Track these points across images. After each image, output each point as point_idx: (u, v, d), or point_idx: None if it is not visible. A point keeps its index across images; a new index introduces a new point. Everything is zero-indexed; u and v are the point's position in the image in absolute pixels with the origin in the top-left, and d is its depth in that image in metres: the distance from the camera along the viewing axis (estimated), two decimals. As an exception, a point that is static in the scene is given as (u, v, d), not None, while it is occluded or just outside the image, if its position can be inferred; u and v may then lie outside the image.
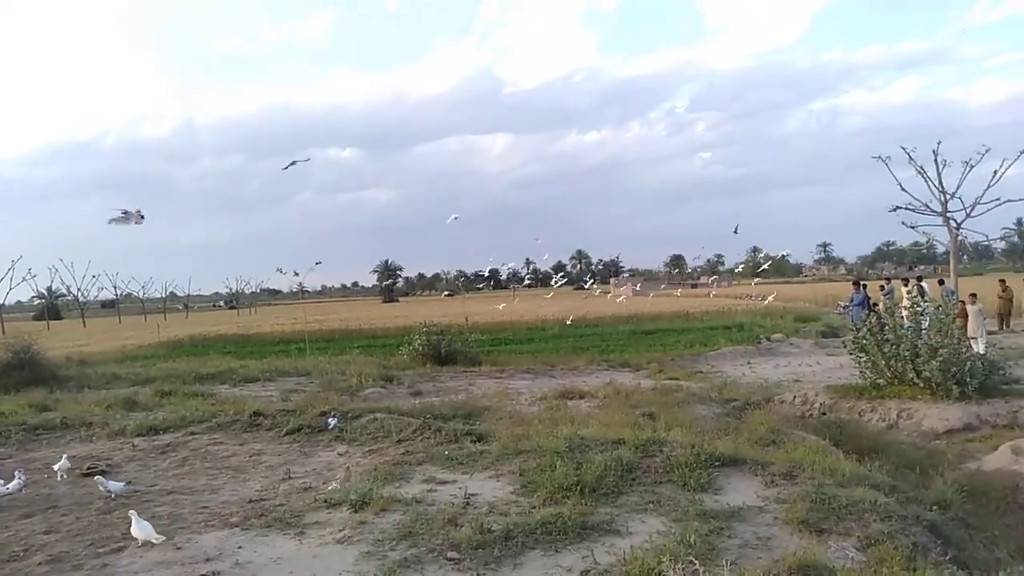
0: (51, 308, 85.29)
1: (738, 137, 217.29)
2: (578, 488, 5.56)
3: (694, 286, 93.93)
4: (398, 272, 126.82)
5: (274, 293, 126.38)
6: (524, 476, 6.15)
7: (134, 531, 4.94)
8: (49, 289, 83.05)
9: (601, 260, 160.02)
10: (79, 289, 76.33)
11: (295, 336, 29.61)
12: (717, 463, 6.17)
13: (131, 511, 5.09)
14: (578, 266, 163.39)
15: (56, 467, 7.20)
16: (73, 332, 46.03)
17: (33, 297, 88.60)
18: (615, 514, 5.15)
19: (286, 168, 16.69)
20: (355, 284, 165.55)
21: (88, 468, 7.44)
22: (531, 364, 17.53)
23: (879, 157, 22.80)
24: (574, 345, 23.78)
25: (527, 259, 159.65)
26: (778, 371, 15.79)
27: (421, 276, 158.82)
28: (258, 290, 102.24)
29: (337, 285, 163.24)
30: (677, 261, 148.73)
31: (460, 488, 5.97)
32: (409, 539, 4.81)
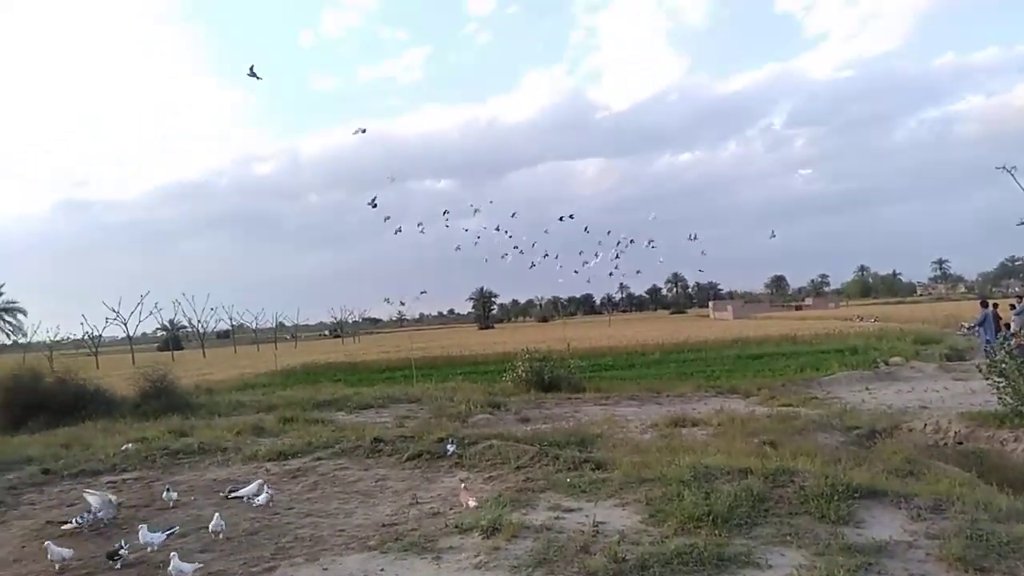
0: (174, 339, 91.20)
1: (841, 151, 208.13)
2: (709, 518, 5.48)
3: (798, 307, 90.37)
4: (493, 299, 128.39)
5: (375, 322, 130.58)
6: (651, 505, 6.12)
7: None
8: (172, 321, 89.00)
9: (697, 283, 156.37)
10: (199, 321, 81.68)
11: (400, 363, 30.48)
12: (855, 494, 5.93)
13: (172, 553, 5.26)
14: (674, 289, 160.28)
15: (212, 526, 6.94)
16: (195, 362, 49.03)
17: (157, 329, 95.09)
18: (751, 546, 5.05)
19: (372, 204, 17.76)
20: (451, 311, 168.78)
21: (229, 491, 7.93)
22: (636, 391, 17.33)
23: (1004, 168, 21.41)
24: (677, 371, 23.38)
25: (621, 284, 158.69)
26: (901, 397, 14.96)
27: (515, 302, 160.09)
28: (360, 319, 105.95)
29: (435, 313, 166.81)
30: (778, 282, 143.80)
31: (587, 516, 6.00)
32: (544, 566, 4.88)
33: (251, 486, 7.51)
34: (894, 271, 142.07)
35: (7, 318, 58.71)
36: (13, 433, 13.72)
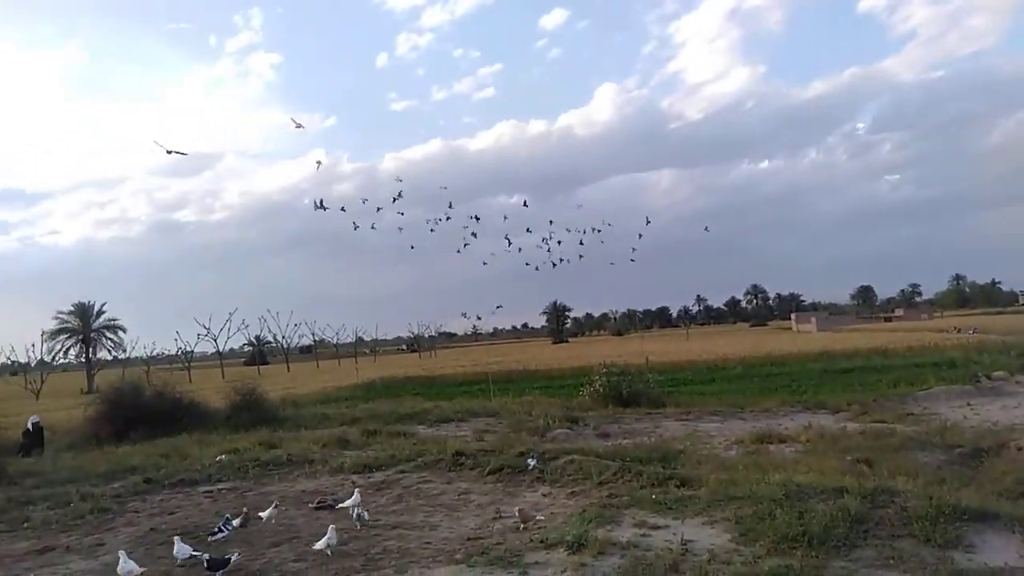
0: (260, 354, 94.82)
1: (930, 155, 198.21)
2: (804, 539, 5.28)
3: (888, 319, 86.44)
4: (567, 312, 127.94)
5: (451, 336, 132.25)
6: (741, 524, 5.94)
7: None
8: (258, 337, 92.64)
9: (778, 294, 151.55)
10: (283, 336, 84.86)
11: (476, 377, 30.76)
12: (963, 517, 5.59)
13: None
14: (754, 301, 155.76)
15: (264, 514, 7.44)
16: (280, 376, 50.79)
17: (244, 344, 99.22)
18: (851, 569, 4.83)
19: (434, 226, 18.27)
20: (525, 325, 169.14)
21: (318, 502, 8.14)
22: (718, 406, 16.92)
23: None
24: (760, 385, 22.71)
25: (698, 296, 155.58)
26: (1007, 413, 14.07)
27: (589, 316, 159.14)
28: (436, 333, 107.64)
29: (509, 327, 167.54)
30: (865, 293, 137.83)
31: (674, 534, 5.88)
32: (633, 584, 4.80)
33: (352, 498, 7.63)
34: (993, 280, 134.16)
35: (108, 335, 62.16)
36: (117, 444, 14.51)
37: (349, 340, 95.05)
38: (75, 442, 15.44)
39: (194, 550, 6.05)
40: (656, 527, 6.18)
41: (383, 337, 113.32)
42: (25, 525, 8.00)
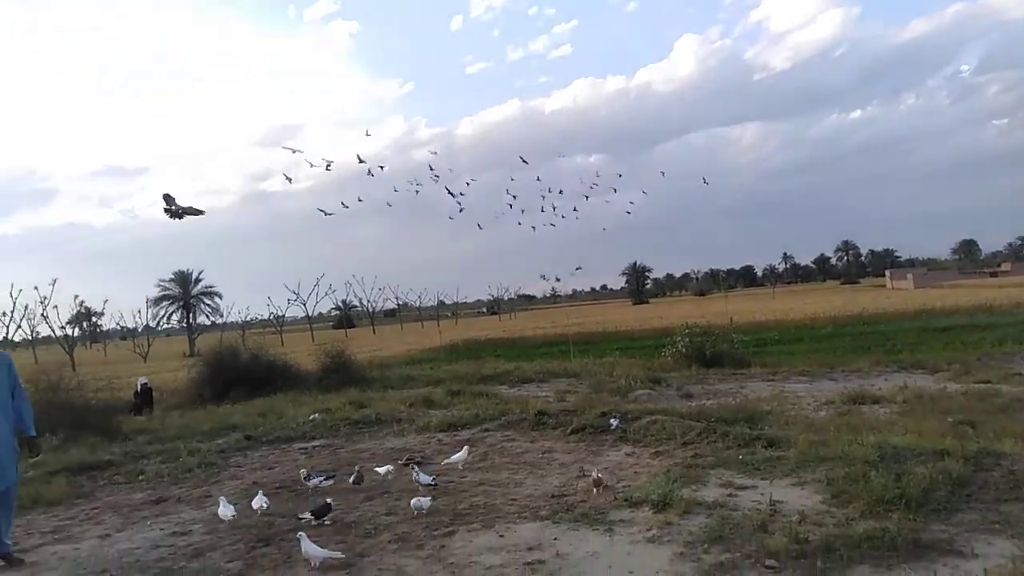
0: (347, 318, 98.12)
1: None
2: (902, 501, 5.09)
3: (993, 274, 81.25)
4: (647, 273, 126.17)
5: (530, 299, 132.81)
6: (833, 485, 5.78)
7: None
8: (344, 301, 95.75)
9: (871, 250, 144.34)
10: (368, 300, 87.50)
11: (556, 339, 30.87)
12: (1079, 482, 5.26)
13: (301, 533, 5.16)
14: (844, 258, 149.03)
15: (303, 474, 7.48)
16: (367, 338, 52.46)
17: (332, 309, 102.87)
18: (953, 533, 4.63)
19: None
20: (604, 287, 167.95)
21: (407, 459, 8.42)
22: (806, 366, 16.40)
23: None
24: (852, 345, 21.87)
25: (784, 253, 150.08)
26: None
27: (670, 276, 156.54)
28: (515, 296, 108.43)
29: (587, 289, 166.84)
30: (968, 247, 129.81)
31: (762, 494, 5.78)
32: (720, 543, 4.76)
33: (459, 454, 7.88)
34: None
35: (206, 301, 65.65)
36: (218, 403, 15.42)
37: (431, 303, 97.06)
38: (181, 402, 16.48)
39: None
40: (743, 487, 6.09)
41: (464, 300, 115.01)
42: (140, 477, 8.63)
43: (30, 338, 52.57)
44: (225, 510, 6.25)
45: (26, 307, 51.61)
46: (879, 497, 5.22)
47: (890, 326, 26.02)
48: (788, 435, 7.70)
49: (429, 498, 6.14)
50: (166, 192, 10.24)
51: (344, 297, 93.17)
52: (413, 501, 6.05)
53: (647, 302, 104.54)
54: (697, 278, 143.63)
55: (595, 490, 6.14)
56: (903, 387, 11.74)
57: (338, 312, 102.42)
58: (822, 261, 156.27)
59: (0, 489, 5.52)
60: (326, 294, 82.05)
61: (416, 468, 7.25)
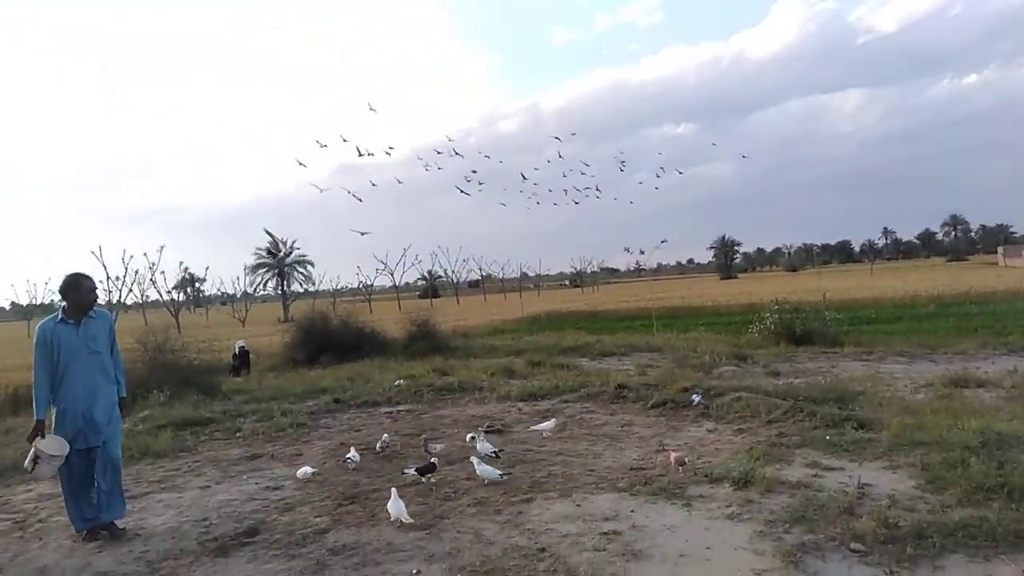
0: (432, 288, 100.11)
1: None
2: (1004, 491, 4.81)
3: (1123, 253, 74.61)
4: (736, 247, 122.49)
5: (613, 272, 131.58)
6: (927, 471, 5.51)
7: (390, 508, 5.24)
8: (430, 271, 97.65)
9: (983, 226, 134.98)
10: (452, 271, 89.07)
11: (639, 313, 30.48)
12: None
13: (392, 489, 5.44)
14: (952, 233, 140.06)
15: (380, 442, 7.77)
16: (451, 308, 53.35)
17: (417, 279, 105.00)
18: (1060, 526, 4.35)
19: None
20: (690, 261, 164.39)
21: (487, 426, 8.57)
22: (904, 346, 15.58)
23: None
24: (957, 326, 20.56)
25: (885, 228, 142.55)
26: None
27: (760, 251, 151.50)
28: (599, 269, 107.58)
29: (673, 263, 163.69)
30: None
31: (849, 476, 5.58)
32: (803, 524, 4.64)
33: (547, 423, 8.02)
34: None
35: (300, 270, 68.40)
36: (309, 367, 16.12)
37: (514, 275, 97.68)
38: (275, 365, 17.30)
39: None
40: (830, 468, 5.90)
41: (546, 272, 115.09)
42: (238, 435, 9.15)
43: (140, 302, 56.09)
44: (303, 470, 6.64)
45: (136, 272, 55.01)
46: (978, 485, 4.95)
47: (1001, 306, 24.30)
48: (881, 417, 7.37)
49: (497, 472, 6.18)
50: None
51: (430, 267, 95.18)
52: (479, 469, 6.14)
53: (735, 277, 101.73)
54: (789, 253, 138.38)
55: (678, 469, 6.05)
56: (1012, 371, 11.01)
57: (424, 282, 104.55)
58: (927, 237, 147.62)
59: (92, 445, 5.37)
60: (412, 264, 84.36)
61: (481, 435, 7.38)
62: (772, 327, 17.65)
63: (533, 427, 8.07)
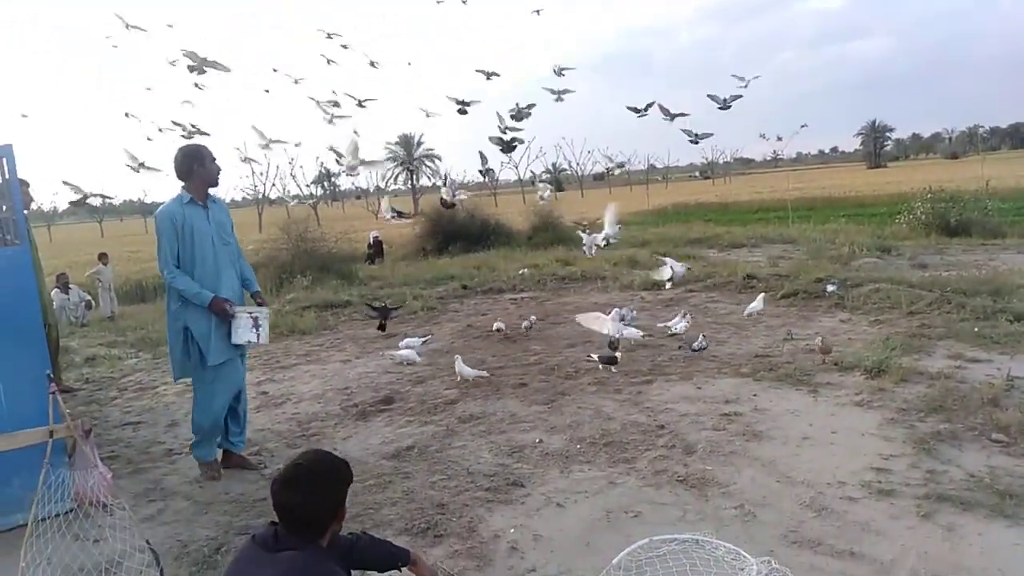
0: (555, 181, 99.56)
1: None
2: None
3: None
4: (887, 133, 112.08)
5: (747, 162, 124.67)
6: (1090, 366, 5.06)
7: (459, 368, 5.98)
8: (554, 164, 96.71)
9: None
10: (577, 164, 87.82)
11: (774, 205, 29.03)
12: None
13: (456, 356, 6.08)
14: None
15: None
16: (575, 201, 52.87)
17: (542, 172, 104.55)
18: None
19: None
20: (834, 149, 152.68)
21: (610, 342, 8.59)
22: (1081, 239, 14.01)
23: None
24: None
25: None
26: None
27: (916, 137, 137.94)
28: (732, 159, 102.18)
29: (814, 151, 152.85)
30: None
31: (998, 369, 5.22)
32: (940, 413, 4.42)
33: (676, 319, 7.65)
34: None
35: (428, 163, 70.06)
36: (438, 256, 16.77)
37: (641, 167, 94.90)
38: (406, 254, 18.16)
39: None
40: (976, 360, 5.54)
41: (676, 164, 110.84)
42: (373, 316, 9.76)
43: (282, 196, 59.71)
44: (410, 354, 6.70)
45: (278, 167, 58.09)
46: None
47: None
48: (1041, 310, 6.77)
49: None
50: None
51: (554, 160, 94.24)
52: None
53: (884, 166, 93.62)
54: (951, 138, 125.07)
55: (823, 358, 5.81)
56: None
57: (548, 175, 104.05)
58: None
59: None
60: (536, 157, 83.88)
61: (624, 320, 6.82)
62: (923, 217, 16.32)
63: (660, 323, 7.84)
